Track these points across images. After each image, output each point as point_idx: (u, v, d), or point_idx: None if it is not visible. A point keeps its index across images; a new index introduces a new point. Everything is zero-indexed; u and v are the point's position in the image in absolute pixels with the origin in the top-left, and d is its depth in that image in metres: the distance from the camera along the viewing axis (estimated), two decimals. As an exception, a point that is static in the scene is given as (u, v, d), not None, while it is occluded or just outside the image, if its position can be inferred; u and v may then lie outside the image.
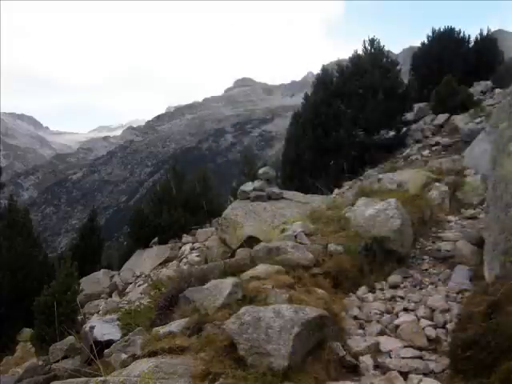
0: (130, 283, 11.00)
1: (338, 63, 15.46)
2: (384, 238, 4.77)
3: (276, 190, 8.57)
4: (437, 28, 19.05)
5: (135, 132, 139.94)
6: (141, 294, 9.38)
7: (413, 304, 3.91)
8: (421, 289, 4.26)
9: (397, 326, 3.55)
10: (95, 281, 11.74)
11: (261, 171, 8.81)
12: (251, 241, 6.85)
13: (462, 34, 18.87)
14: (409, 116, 14.08)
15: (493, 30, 20.41)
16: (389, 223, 4.82)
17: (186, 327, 3.17)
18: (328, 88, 14.28)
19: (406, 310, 3.85)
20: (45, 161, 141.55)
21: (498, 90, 13.36)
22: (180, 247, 11.67)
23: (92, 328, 5.05)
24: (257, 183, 8.57)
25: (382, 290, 4.36)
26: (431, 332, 3.40)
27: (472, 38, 18.91)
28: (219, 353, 2.73)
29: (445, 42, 18.00)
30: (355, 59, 14.59)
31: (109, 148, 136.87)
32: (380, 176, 8.44)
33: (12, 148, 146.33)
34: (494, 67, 15.84)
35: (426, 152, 10.94)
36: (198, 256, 10.29)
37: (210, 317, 3.18)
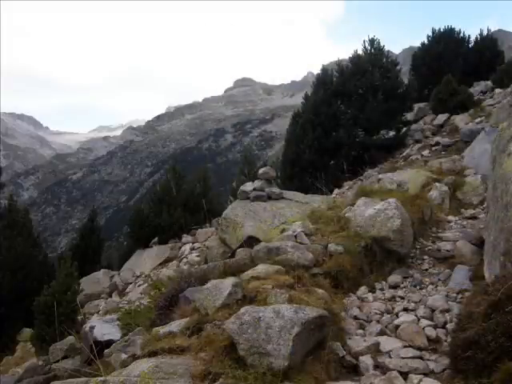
0: (130, 283, 10.99)
1: (338, 63, 15.44)
2: (384, 237, 4.77)
3: (276, 190, 8.55)
4: (437, 28, 19.16)
5: (135, 132, 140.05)
6: (141, 293, 9.38)
7: (413, 304, 3.91)
8: (421, 289, 4.26)
9: (397, 326, 3.55)
10: (95, 281, 11.73)
11: (261, 171, 8.80)
12: (251, 241, 6.83)
13: (462, 34, 18.95)
14: (409, 116, 14.09)
15: (493, 30, 20.46)
16: (389, 223, 4.82)
17: (186, 327, 3.17)
18: (328, 88, 14.28)
19: (405, 309, 3.84)
20: (45, 161, 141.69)
21: (497, 90, 13.38)
22: (180, 247, 11.66)
23: (92, 328, 5.07)
24: (257, 183, 8.56)
25: (382, 289, 4.36)
26: (431, 332, 3.40)
27: (472, 38, 18.99)
28: (219, 353, 2.73)
29: (445, 42, 18.03)
30: (355, 59, 14.59)
31: (109, 148, 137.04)
32: (380, 176, 8.44)
33: (12, 148, 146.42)
34: (494, 67, 15.84)
35: (426, 152, 10.94)
36: (198, 256, 10.28)
37: (210, 317, 3.18)
